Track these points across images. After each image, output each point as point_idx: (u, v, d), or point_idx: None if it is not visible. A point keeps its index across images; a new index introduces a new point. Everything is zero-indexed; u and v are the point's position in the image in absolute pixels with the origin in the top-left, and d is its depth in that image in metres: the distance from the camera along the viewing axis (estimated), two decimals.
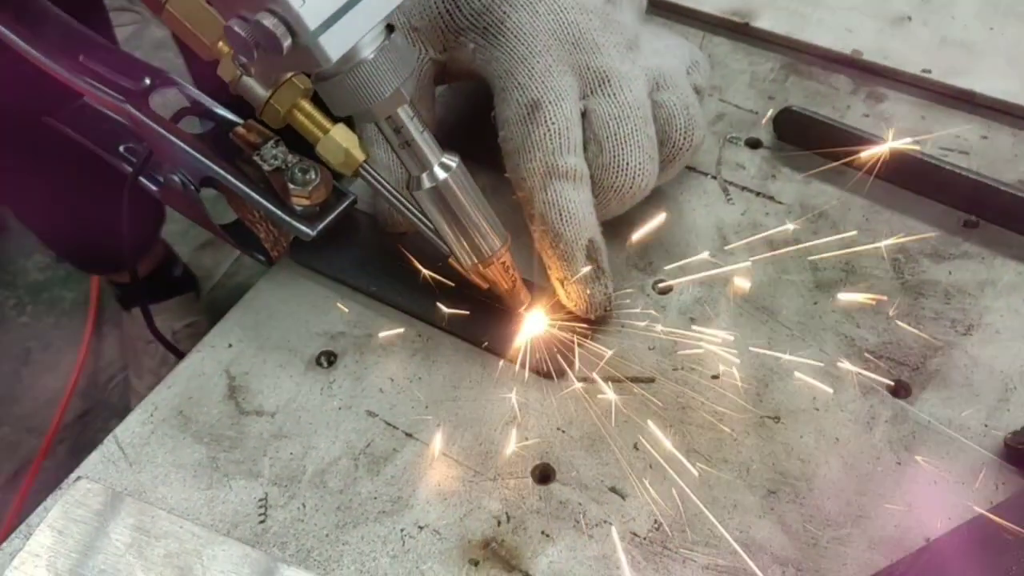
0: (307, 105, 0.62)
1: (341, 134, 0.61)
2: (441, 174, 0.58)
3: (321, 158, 0.63)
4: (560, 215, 0.64)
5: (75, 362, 1.76)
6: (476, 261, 0.62)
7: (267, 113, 0.61)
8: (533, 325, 0.66)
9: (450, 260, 0.64)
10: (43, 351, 1.83)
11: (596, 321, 0.67)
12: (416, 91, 0.70)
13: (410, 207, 0.63)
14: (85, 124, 0.83)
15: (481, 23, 0.66)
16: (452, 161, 0.59)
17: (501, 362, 0.66)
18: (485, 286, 0.64)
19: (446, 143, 0.60)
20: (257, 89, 0.61)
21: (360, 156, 0.61)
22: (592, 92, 0.66)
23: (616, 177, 0.65)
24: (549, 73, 0.65)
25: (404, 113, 0.56)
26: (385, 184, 0.63)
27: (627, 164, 0.65)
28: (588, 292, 0.65)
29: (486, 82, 0.69)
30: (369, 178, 0.62)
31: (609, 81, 0.66)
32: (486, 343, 0.66)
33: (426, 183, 0.58)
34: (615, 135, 0.65)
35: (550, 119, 0.64)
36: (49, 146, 0.94)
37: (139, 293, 1.47)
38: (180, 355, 0.69)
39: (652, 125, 0.67)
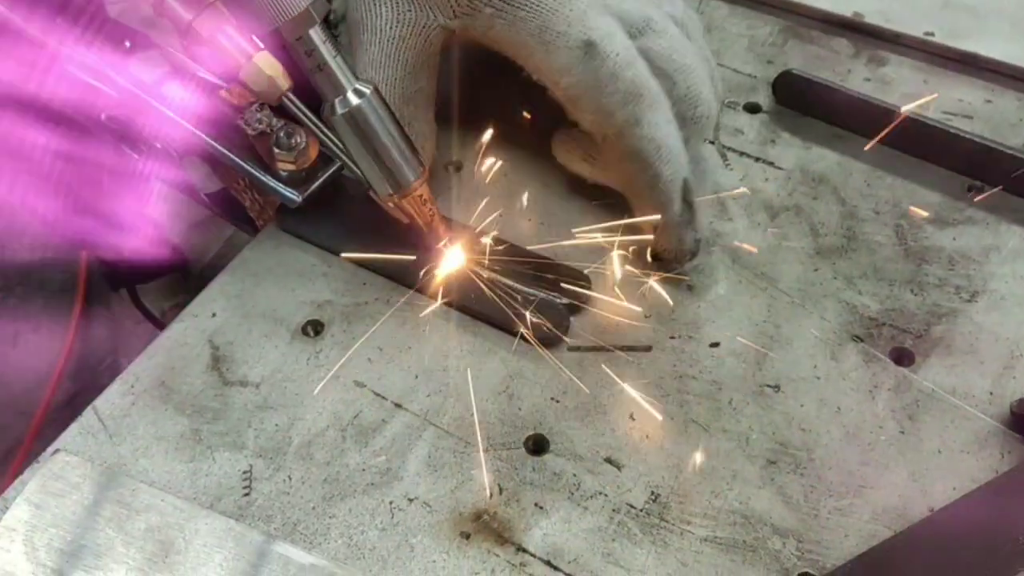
0: (231, 30, 0.60)
1: (265, 61, 0.59)
2: (355, 100, 0.57)
3: (245, 84, 0.61)
4: (659, 151, 0.62)
5: (64, 344, 1.74)
6: (391, 192, 0.60)
7: (190, 37, 0.59)
8: (452, 261, 0.65)
9: (369, 193, 0.62)
10: (32, 333, 1.80)
11: (590, 288, 0.65)
12: (419, 59, 0.67)
13: (331, 137, 0.61)
14: (66, 91, 0.81)
15: None
16: (366, 88, 0.57)
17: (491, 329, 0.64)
18: (405, 220, 0.63)
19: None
20: (180, 12, 0.59)
21: (283, 85, 0.60)
22: (639, 33, 0.65)
23: (696, 108, 0.65)
24: (587, 15, 0.63)
25: (316, 35, 0.55)
26: (308, 115, 0.61)
27: (700, 94, 0.65)
28: (680, 237, 0.64)
29: (499, 48, 0.66)
30: (292, 107, 0.61)
31: (652, 20, 0.65)
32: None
33: (339, 109, 0.57)
34: (682, 68, 0.64)
35: (610, 52, 0.62)
36: (35, 115, 0.91)
37: (125, 270, 1.44)
38: None
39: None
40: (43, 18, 0.70)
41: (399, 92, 0.66)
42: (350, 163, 0.61)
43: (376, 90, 0.58)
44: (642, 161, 0.63)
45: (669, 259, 0.65)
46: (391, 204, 0.62)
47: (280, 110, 0.63)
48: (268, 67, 0.59)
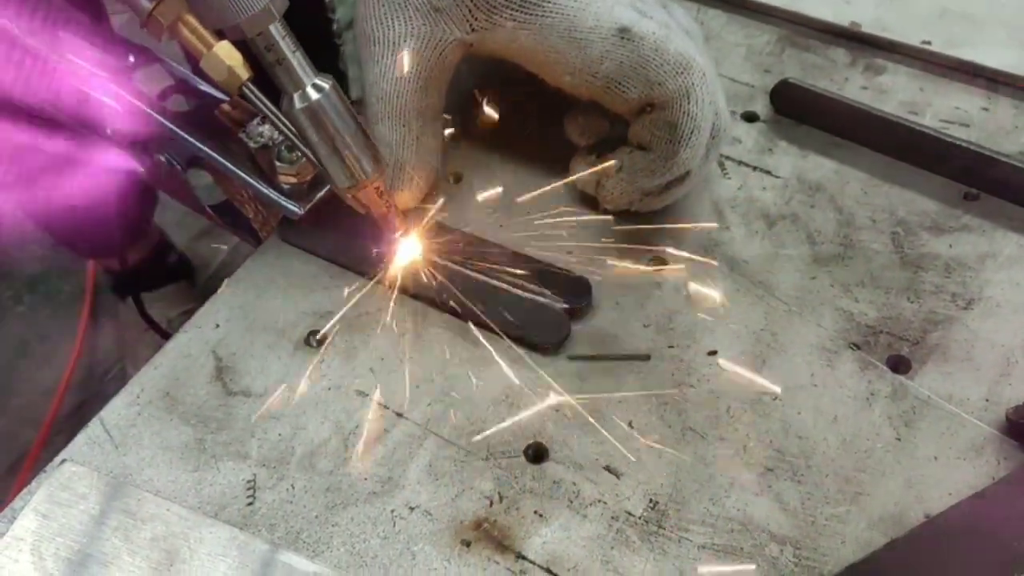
0: (192, 19, 0.60)
1: (225, 51, 0.59)
2: (314, 94, 0.58)
3: (206, 73, 0.61)
4: (692, 135, 0.64)
5: (72, 353, 1.75)
6: (349, 184, 0.61)
7: (150, 25, 0.60)
8: (408, 250, 0.66)
9: (330, 185, 0.63)
10: (40, 342, 1.82)
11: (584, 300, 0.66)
12: (433, 73, 0.67)
13: (291, 129, 0.62)
14: (72, 105, 0.82)
15: None
16: (325, 82, 0.58)
17: (491, 337, 0.65)
18: (362, 211, 0.64)
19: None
20: (141, 0, 0.59)
21: (243, 75, 0.60)
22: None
23: (717, 119, 0.67)
24: (614, 8, 0.64)
25: (276, 31, 0.56)
26: (268, 105, 0.61)
27: (718, 104, 0.67)
28: (629, 195, 0.69)
29: (518, 58, 0.67)
30: (252, 97, 0.61)
31: (670, 25, 0.66)
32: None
33: (297, 103, 0.58)
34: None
35: (646, 32, 0.63)
36: (40, 127, 0.92)
37: (131, 279, 1.45)
38: None
39: None
40: (48, 33, 0.71)
41: (411, 106, 0.66)
42: (309, 154, 0.62)
43: (335, 85, 0.59)
44: (672, 134, 0.64)
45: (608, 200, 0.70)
46: (349, 195, 0.63)
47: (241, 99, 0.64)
48: (228, 57, 0.59)
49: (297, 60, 0.57)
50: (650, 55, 0.63)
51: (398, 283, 0.67)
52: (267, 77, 0.60)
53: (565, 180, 0.72)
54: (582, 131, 0.72)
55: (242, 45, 0.58)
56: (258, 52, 0.57)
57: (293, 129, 0.61)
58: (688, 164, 0.65)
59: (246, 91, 0.61)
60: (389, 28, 0.64)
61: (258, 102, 0.61)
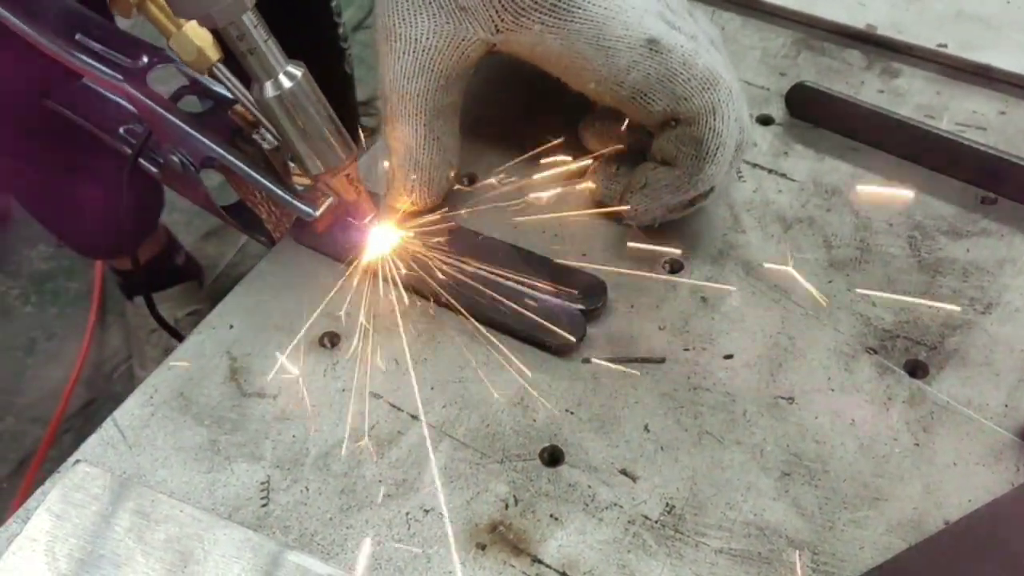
0: None
1: (195, 31, 0.59)
2: (286, 83, 0.57)
3: (175, 53, 0.61)
4: (717, 151, 0.63)
5: (79, 352, 1.75)
6: (321, 171, 0.61)
7: (118, 4, 0.59)
8: (380, 237, 0.67)
9: (300, 170, 0.64)
10: (47, 341, 1.82)
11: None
12: (454, 72, 0.66)
13: (261, 114, 0.62)
14: (84, 105, 0.82)
15: (548, 1, 0.63)
16: (298, 71, 0.58)
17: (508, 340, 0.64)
18: (334, 197, 0.64)
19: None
20: None
21: (213, 56, 0.60)
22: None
23: (740, 132, 0.66)
24: (644, 18, 0.63)
25: (248, 20, 0.55)
26: (239, 87, 0.61)
27: (743, 118, 0.66)
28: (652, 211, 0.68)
29: (542, 61, 0.66)
30: (222, 79, 0.61)
31: (698, 38, 0.65)
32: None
33: (270, 91, 0.57)
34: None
35: (675, 44, 0.62)
36: (49, 128, 0.92)
37: (140, 279, 1.45)
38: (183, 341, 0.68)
39: None
40: (63, 34, 0.71)
41: (431, 105, 0.66)
42: (280, 141, 0.62)
43: (307, 73, 0.58)
44: (698, 150, 0.63)
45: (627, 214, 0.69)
46: (321, 182, 0.62)
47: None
48: (197, 37, 0.59)
49: (269, 48, 0.56)
50: (678, 69, 0.62)
51: (380, 274, 0.67)
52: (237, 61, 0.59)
53: (583, 185, 0.72)
54: (598, 138, 0.71)
55: (213, 30, 0.57)
56: (229, 41, 0.56)
57: (265, 116, 0.61)
58: (713, 180, 0.65)
59: (216, 72, 0.60)
60: (411, 25, 0.64)
61: (228, 84, 0.61)
